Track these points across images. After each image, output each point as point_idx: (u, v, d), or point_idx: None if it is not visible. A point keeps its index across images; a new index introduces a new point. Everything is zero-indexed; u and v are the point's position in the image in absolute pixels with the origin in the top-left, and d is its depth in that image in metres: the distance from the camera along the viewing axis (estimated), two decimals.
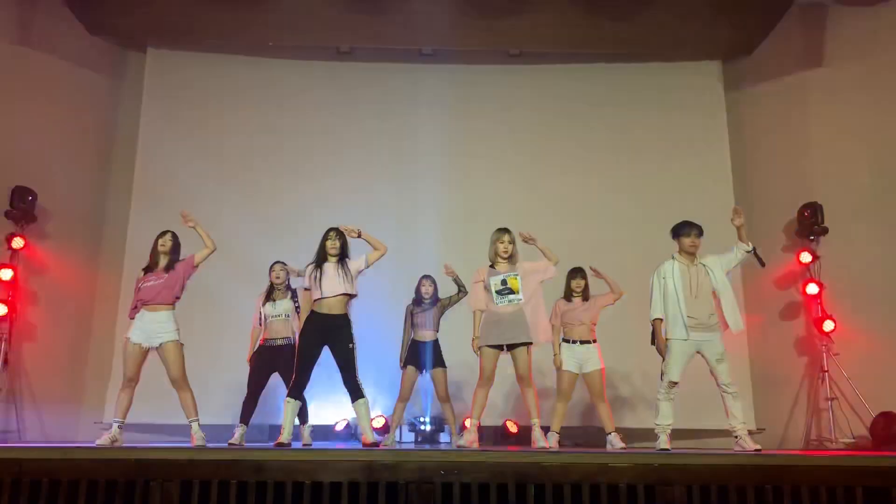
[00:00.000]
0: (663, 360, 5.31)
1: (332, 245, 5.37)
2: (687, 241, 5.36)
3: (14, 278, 7.40)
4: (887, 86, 7.88)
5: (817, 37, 8.26)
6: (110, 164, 8.57)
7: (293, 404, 5.19)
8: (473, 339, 5.48)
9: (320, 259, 5.38)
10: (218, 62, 8.80)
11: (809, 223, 7.84)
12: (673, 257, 5.42)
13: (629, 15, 8.18)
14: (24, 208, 7.55)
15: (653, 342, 5.41)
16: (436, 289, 6.53)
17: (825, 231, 7.80)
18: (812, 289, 7.74)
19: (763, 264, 5.49)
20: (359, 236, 5.39)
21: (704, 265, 5.34)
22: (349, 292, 5.26)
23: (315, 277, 5.29)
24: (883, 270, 7.59)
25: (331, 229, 5.45)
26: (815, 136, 8.20)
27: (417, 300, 6.50)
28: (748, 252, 5.36)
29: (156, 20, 8.30)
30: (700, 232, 5.38)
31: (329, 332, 5.19)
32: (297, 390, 5.20)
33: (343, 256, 5.39)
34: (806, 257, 7.84)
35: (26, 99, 7.92)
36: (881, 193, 7.75)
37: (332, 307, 5.21)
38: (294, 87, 8.77)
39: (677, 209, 8.24)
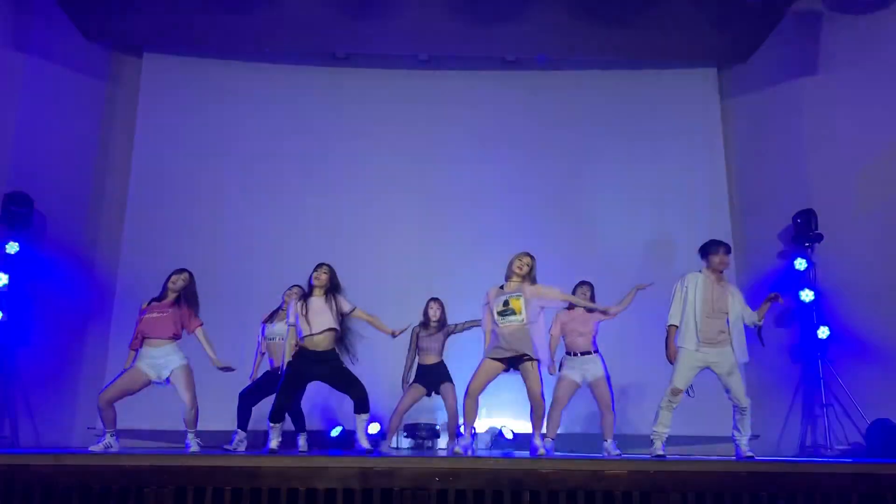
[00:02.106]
0: (670, 361, 5.33)
1: (317, 277, 5.30)
2: (716, 258, 5.37)
3: (9, 283, 7.38)
4: (882, 93, 7.91)
5: (812, 44, 8.28)
6: (106, 169, 8.54)
7: (277, 428, 5.16)
8: None
9: (307, 293, 5.32)
10: (214, 67, 8.79)
11: (804, 230, 7.85)
12: (700, 271, 5.42)
13: (625, 22, 8.18)
14: (19, 213, 7.52)
15: (666, 348, 5.42)
16: (443, 311, 6.50)
17: (820, 238, 7.81)
18: (807, 295, 7.75)
19: (763, 344, 5.46)
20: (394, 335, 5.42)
21: (729, 291, 5.35)
22: (336, 328, 5.21)
23: (301, 313, 5.21)
24: (877, 276, 7.60)
25: (320, 265, 5.38)
26: (811, 143, 8.22)
27: (425, 323, 6.48)
28: (754, 325, 5.36)
29: (152, 25, 8.28)
30: (728, 249, 5.40)
31: (318, 369, 5.15)
32: (279, 414, 5.14)
33: (331, 290, 5.31)
34: (801, 264, 7.85)
35: (22, 104, 7.90)
36: (876, 200, 7.78)
37: (318, 344, 5.15)
38: (290, 93, 8.76)
39: (673, 216, 8.35)
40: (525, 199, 8.43)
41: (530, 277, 5.41)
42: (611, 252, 8.10)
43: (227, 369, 5.38)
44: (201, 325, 5.47)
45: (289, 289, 6.31)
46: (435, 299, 6.53)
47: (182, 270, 5.56)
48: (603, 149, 8.65)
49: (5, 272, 7.37)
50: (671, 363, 5.33)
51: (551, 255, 7.37)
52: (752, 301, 8.09)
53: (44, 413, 7.54)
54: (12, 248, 7.40)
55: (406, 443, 7.54)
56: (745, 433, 5.23)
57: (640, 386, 7.26)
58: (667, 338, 5.39)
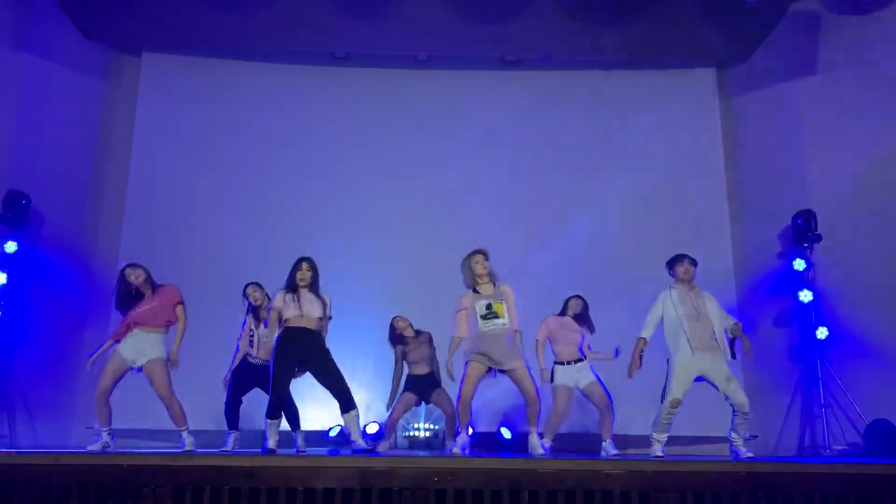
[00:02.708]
0: (629, 375, 5.31)
1: (302, 277, 5.28)
2: (680, 268, 5.38)
3: (7, 283, 7.37)
4: (881, 93, 7.91)
5: (811, 45, 8.28)
6: (105, 168, 8.53)
7: (275, 424, 5.15)
8: (448, 365, 5.38)
9: (293, 287, 5.28)
10: (213, 67, 8.79)
11: (803, 230, 7.86)
12: (670, 286, 5.41)
13: (624, 22, 8.19)
14: (17, 212, 7.51)
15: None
16: (409, 324, 6.54)
17: (819, 238, 7.81)
18: (806, 296, 7.76)
19: (734, 356, 5.41)
20: None
21: (704, 296, 5.34)
22: (322, 317, 5.24)
23: (293, 299, 5.19)
24: (877, 277, 7.60)
25: (302, 260, 5.36)
26: (809, 144, 8.22)
27: (400, 340, 6.53)
28: (733, 334, 5.34)
29: (151, 24, 8.28)
30: (692, 261, 5.39)
31: (304, 351, 5.13)
32: (276, 409, 5.14)
33: (314, 287, 5.30)
34: (800, 264, 7.85)
35: (20, 103, 7.89)
36: (875, 201, 7.78)
37: (307, 323, 5.15)
38: (289, 92, 8.75)
39: (671, 216, 8.34)
40: (524, 198, 8.42)
41: (495, 275, 5.40)
42: (610, 252, 8.09)
43: (174, 366, 5.38)
44: (183, 304, 5.49)
45: (252, 288, 6.21)
46: (397, 316, 6.55)
47: (126, 266, 5.49)
48: (602, 148, 8.64)
49: (4, 271, 7.37)
50: (629, 376, 5.31)
51: (550, 255, 7.41)
52: (750, 301, 8.17)
53: (42, 412, 7.53)
54: (11, 247, 7.40)
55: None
56: (742, 435, 5.22)
57: (639, 385, 7.27)
58: (634, 349, 5.37)
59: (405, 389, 6.41)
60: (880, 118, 7.88)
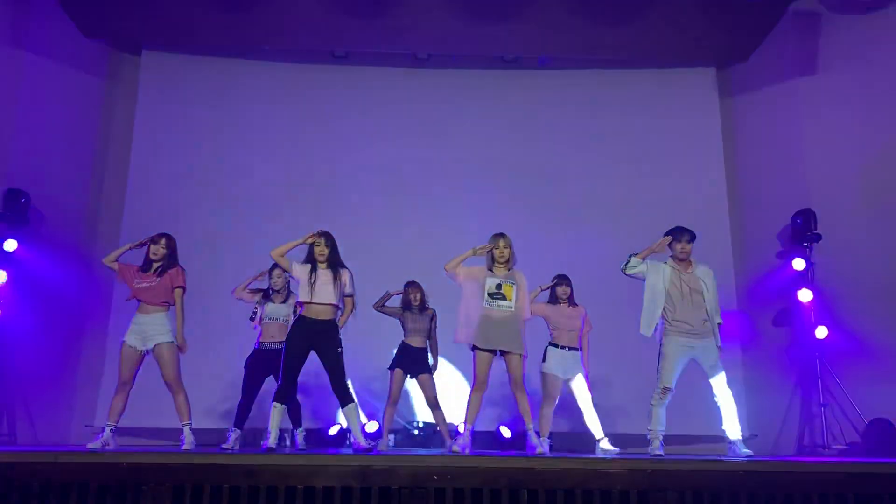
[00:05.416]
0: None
1: (321, 252, 5.31)
2: (678, 246, 5.39)
3: (7, 281, 7.37)
4: (880, 93, 7.92)
5: (811, 44, 8.29)
6: (104, 166, 8.54)
7: (279, 409, 5.16)
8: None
9: (312, 263, 5.32)
10: (213, 65, 8.79)
11: (803, 229, 7.86)
12: (666, 262, 5.43)
13: (624, 21, 8.19)
14: (17, 211, 7.51)
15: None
16: (423, 294, 6.55)
17: (818, 237, 7.81)
18: (805, 295, 7.76)
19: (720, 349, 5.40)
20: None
21: (700, 278, 5.34)
22: (338, 304, 5.24)
23: (310, 280, 5.23)
24: (876, 277, 7.61)
25: (319, 234, 5.38)
26: (809, 143, 8.23)
27: (407, 306, 6.54)
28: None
29: (150, 22, 8.28)
30: (691, 238, 5.40)
31: (316, 337, 5.15)
32: (283, 394, 5.16)
33: (334, 264, 5.33)
34: (799, 264, 7.85)
35: (20, 101, 7.89)
36: (874, 200, 7.78)
37: (320, 313, 5.17)
38: (289, 91, 8.76)
39: (671, 215, 8.28)
40: (524, 198, 8.42)
41: (513, 260, 5.41)
42: (608, 251, 8.08)
43: (181, 349, 5.40)
44: (183, 289, 5.48)
45: (280, 272, 6.22)
46: (413, 285, 6.58)
47: (159, 238, 5.55)
48: (602, 148, 8.64)
49: (3, 270, 7.37)
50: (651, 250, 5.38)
51: (550, 254, 7.39)
52: (750, 301, 8.18)
53: (42, 410, 7.53)
54: (10, 245, 7.40)
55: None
56: (734, 425, 5.22)
57: (637, 384, 7.27)
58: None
59: (396, 364, 6.43)
60: (880, 117, 7.88)
